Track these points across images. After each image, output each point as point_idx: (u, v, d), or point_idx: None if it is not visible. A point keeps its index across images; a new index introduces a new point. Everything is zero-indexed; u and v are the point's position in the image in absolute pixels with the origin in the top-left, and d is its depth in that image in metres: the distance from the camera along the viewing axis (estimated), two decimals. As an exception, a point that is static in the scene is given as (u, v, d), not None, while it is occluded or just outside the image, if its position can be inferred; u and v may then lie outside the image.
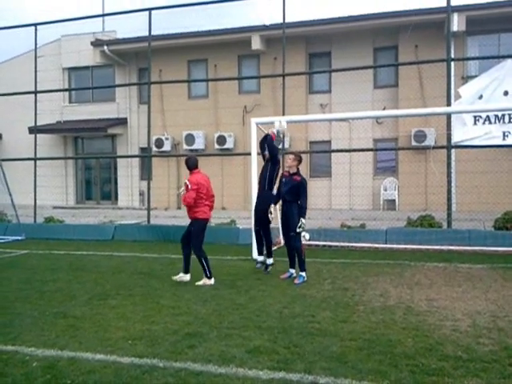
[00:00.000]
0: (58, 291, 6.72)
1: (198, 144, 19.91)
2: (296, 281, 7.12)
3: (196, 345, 4.50)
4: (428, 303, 5.86)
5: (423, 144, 16.66)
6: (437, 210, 12.03)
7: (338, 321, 5.17)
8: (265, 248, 8.18)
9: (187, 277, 7.31)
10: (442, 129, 14.22)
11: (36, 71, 14.73)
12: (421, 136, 17.09)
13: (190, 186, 7.08)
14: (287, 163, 7.55)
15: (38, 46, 14.82)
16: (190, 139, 19.98)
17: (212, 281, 7.08)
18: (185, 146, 20.07)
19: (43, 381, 3.74)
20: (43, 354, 4.28)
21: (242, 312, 5.57)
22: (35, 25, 14.43)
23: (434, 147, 13.46)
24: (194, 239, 7.22)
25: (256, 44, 19.02)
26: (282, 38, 12.67)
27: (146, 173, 20.25)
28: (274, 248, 9.89)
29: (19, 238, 12.54)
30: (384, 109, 17.31)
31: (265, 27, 18.46)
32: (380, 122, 18.06)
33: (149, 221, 13.22)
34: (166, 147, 20.30)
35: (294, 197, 7.25)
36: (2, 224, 13.97)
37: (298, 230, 7.13)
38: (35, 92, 14.74)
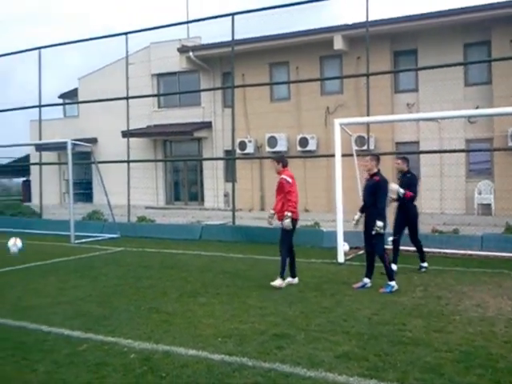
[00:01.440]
0: (150, 287, 7.05)
1: (281, 146, 19.99)
2: (382, 289, 6.72)
3: (284, 346, 4.51)
4: (532, 316, 5.43)
5: (521, 144, 15.49)
6: (538, 216, 11.14)
7: (431, 330, 4.94)
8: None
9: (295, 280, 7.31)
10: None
11: (127, 78, 15.57)
12: (518, 136, 15.91)
13: (289, 181, 7.17)
14: (366, 167, 7.27)
15: (128, 54, 15.64)
16: (272, 141, 20.13)
17: (284, 282, 7.08)
18: (267, 149, 20.23)
19: (141, 372, 3.93)
20: (139, 347, 4.50)
21: (329, 316, 5.50)
22: (126, 33, 15.27)
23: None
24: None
25: (338, 44, 18.74)
26: (366, 36, 12.39)
27: (230, 175, 20.71)
28: (361, 252, 9.67)
29: (115, 235, 13.32)
30: (477, 108, 16.30)
31: (347, 26, 18.16)
32: (472, 122, 17.03)
33: (234, 222, 13.48)
34: (249, 149, 20.59)
35: (373, 199, 6.92)
36: (99, 222, 14.94)
37: (372, 233, 6.75)
38: (127, 98, 15.59)
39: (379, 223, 6.69)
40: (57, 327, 5.08)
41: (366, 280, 7.03)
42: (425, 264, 8.25)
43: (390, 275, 6.79)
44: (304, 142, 19.53)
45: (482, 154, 17.37)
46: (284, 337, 4.77)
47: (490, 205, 16.87)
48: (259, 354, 4.30)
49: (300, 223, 13.43)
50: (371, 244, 6.97)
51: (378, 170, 7.07)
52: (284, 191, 7.18)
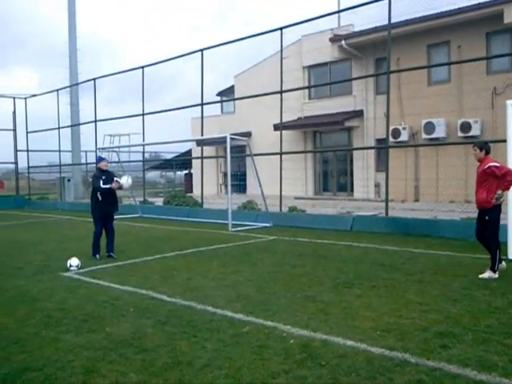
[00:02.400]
0: (304, 275, 7.16)
1: (439, 132, 18.71)
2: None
3: (449, 345, 4.23)
4: None
5: None
6: None
7: None
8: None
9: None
10: None
11: (282, 72, 15.95)
12: None
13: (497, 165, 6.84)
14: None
15: (282, 48, 16.00)
16: (429, 128, 18.94)
17: (497, 274, 6.79)
18: (424, 135, 19.11)
19: (300, 358, 4.01)
20: (298, 333, 4.60)
21: (500, 317, 5.00)
22: (281, 28, 15.62)
23: None
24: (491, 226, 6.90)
25: (509, 17, 16.82)
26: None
27: (381, 164, 20.05)
28: None
29: (267, 224, 13.84)
30: None
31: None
32: None
33: (387, 213, 13.03)
34: (403, 137, 19.67)
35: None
36: (253, 212, 15.66)
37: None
38: (281, 92, 15.99)
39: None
40: (221, 309, 5.44)
41: None
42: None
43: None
44: (466, 126, 18.02)
45: None
46: (449, 335, 4.47)
47: None
48: (422, 352, 4.09)
49: (460, 215, 12.56)
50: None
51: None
52: (498, 176, 6.75)
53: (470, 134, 17.87)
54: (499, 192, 6.70)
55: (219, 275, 7.27)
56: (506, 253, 8.14)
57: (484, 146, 7.10)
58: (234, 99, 26.21)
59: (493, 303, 5.51)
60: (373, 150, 21.50)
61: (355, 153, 22.54)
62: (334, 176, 24.21)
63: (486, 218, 6.91)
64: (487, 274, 6.81)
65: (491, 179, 6.83)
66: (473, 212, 11.81)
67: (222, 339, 4.49)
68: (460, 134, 18.11)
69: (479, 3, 17.12)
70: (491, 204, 6.79)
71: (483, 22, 17.63)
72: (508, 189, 6.90)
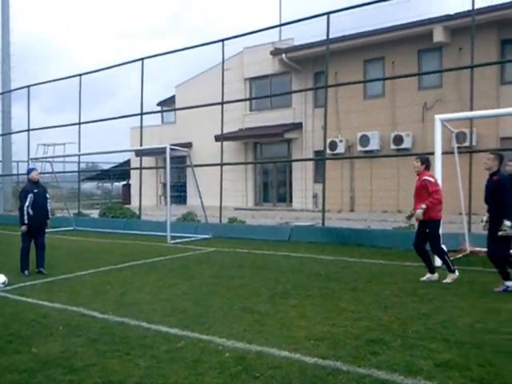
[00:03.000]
0: (243, 287, 7.17)
1: (373, 145, 19.47)
2: (497, 289, 6.50)
3: (379, 352, 4.36)
4: None
5: None
6: None
7: (543, 341, 4.52)
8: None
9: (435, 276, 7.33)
10: None
11: (223, 83, 16.02)
12: None
13: (432, 181, 7.28)
14: (487, 165, 6.81)
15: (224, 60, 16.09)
16: (364, 140, 19.67)
17: (457, 273, 7.20)
18: (359, 148, 19.81)
19: (236, 371, 4.00)
20: (234, 346, 4.59)
21: (427, 322, 5.23)
22: (222, 40, 15.73)
23: None
24: (433, 238, 7.31)
25: (438, 36, 17.86)
26: (471, 26, 11.65)
27: (319, 175, 20.54)
28: (459, 255, 9.14)
29: (207, 236, 13.77)
30: None
31: (449, 17, 17.22)
32: None
33: (323, 223, 13.35)
34: (340, 149, 20.30)
35: (495, 200, 6.55)
36: (192, 223, 15.54)
37: (499, 234, 6.35)
38: (222, 103, 16.05)
39: (507, 222, 6.30)
40: (156, 324, 5.32)
41: (509, 283, 6.58)
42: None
43: (506, 276, 6.51)
44: (398, 139, 18.87)
45: None
46: (379, 342, 4.61)
47: None
48: (354, 359, 4.19)
49: (392, 224, 13.07)
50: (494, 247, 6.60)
51: (498, 170, 6.72)
52: (428, 192, 7.19)
53: (402, 146, 18.73)
54: (422, 205, 7.06)
55: (155, 289, 7.13)
56: (433, 259, 8.55)
57: (425, 162, 7.50)
58: (175, 109, 26.03)
59: (420, 309, 5.76)
60: (311, 162, 21.98)
61: (294, 164, 22.96)
62: (274, 187, 24.52)
63: (427, 230, 7.31)
64: (449, 279, 7.18)
65: (425, 192, 7.21)
66: (404, 222, 12.37)
67: (155, 355, 4.39)
68: (393, 146, 18.94)
69: (411, 22, 18.06)
70: (427, 216, 7.16)
71: (415, 39, 18.61)
72: (431, 204, 7.19)
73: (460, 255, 9.48)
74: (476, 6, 11.75)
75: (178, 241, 12.88)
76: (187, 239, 13.32)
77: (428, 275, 7.41)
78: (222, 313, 5.75)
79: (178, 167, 23.17)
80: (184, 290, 7.00)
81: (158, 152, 22.97)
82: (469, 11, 11.84)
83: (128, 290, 7.12)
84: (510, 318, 5.32)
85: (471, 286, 6.87)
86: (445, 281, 7.21)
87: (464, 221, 10.27)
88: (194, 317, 5.59)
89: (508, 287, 6.54)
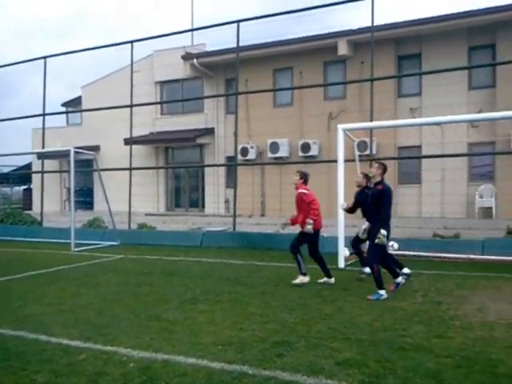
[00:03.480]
0: (151, 294, 7.03)
1: (282, 152, 20.02)
2: (370, 296, 6.64)
3: (284, 354, 4.48)
4: (534, 321, 5.39)
5: (524, 148, 15.46)
6: (541, 220, 11.10)
7: (431, 336, 4.91)
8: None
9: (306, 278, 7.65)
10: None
11: (132, 86, 15.64)
12: (521, 139, 15.88)
13: (306, 192, 7.69)
14: (371, 173, 7.28)
15: (133, 62, 15.74)
16: (274, 147, 20.15)
17: (307, 278, 7.55)
18: (269, 154, 20.26)
19: (140, 382, 3.91)
20: (139, 356, 4.48)
21: (329, 322, 5.47)
22: (131, 42, 15.38)
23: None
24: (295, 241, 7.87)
25: (342, 49, 18.81)
26: (371, 41, 12.41)
27: (231, 181, 20.72)
28: (348, 263, 9.57)
29: (115, 243, 13.33)
30: (480, 111, 16.30)
31: (352, 32, 18.21)
32: (475, 126, 17.04)
33: (234, 228, 13.47)
34: (251, 155, 20.62)
35: (376, 208, 6.86)
36: (99, 230, 14.96)
37: (375, 241, 6.66)
38: (131, 106, 15.65)
39: (383, 232, 6.63)
40: (56, 337, 5.06)
41: (398, 279, 6.98)
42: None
43: (380, 284, 6.70)
44: (306, 147, 19.55)
45: (484, 157, 17.37)
46: (284, 344, 4.74)
47: (491, 208, 16.83)
48: (259, 362, 4.28)
49: (300, 229, 13.48)
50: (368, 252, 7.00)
51: (382, 179, 7.02)
52: (305, 203, 7.58)
53: (310, 153, 19.44)
54: (309, 220, 7.44)
55: (57, 300, 6.77)
56: (336, 262, 8.99)
57: (304, 176, 7.89)
58: (81, 111, 24.97)
59: (324, 310, 6.01)
60: (223, 167, 22.10)
61: (207, 169, 22.95)
62: (186, 192, 24.32)
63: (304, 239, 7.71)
64: (298, 280, 7.56)
65: (303, 204, 7.65)
66: (281, 228, 12.87)
67: (54, 370, 4.17)
68: (301, 153, 19.60)
69: (318, 35, 18.85)
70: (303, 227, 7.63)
71: (321, 51, 19.44)
72: (315, 216, 7.61)
73: (358, 258, 9.99)
74: (376, 23, 12.54)
75: (83, 248, 12.33)
76: (93, 246, 12.80)
77: (325, 279, 7.75)
78: (127, 322, 5.60)
79: (83, 171, 22.19)
80: (88, 300, 6.72)
81: (63, 155, 21.86)
82: (369, 27, 12.60)
83: (27, 302, 6.68)
84: (403, 316, 5.71)
85: (371, 287, 7.27)
86: (293, 281, 7.55)
87: (363, 227, 10.84)
88: (98, 327, 5.39)
89: (399, 283, 6.94)
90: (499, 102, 16.46)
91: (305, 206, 7.64)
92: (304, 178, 7.89)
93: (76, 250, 12.18)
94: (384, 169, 7.08)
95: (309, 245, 7.78)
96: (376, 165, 7.22)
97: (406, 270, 7.80)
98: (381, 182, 6.97)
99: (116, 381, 3.93)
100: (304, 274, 7.63)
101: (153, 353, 4.55)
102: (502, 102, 16.13)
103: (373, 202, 6.95)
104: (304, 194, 7.66)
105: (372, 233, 6.85)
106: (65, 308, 6.30)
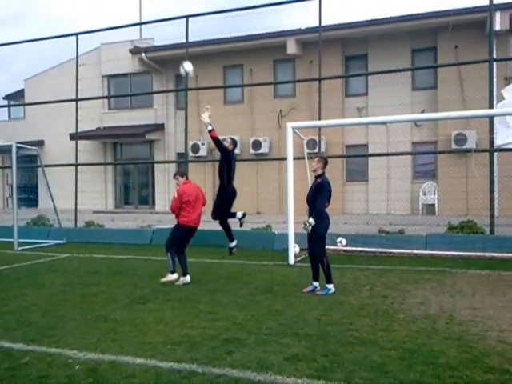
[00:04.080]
0: (98, 294, 6.87)
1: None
2: (319, 292, 6.76)
3: (234, 351, 4.50)
4: (471, 312, 5.68)
5: (464, 147, 16.23)
6: (478, 216, 11.69)
7: (377, 329, 5.07)
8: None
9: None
10: (483, 132, 13.80)
11: (77, 79, 15.15)
12: (461, 139, 16.67)
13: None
14: (312, 167, 7.30)
15: (78, 55, 15.25)
16: (225, 144, 20.10)
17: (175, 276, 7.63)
18: (220, 151, 20.19)
19: (86, 384, 3.82)
20: (85, 357, 4.37)
21: (279, 318, 5.54)
22: (76, 34, 14.88)
23: (475, 150, 13.08)
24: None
25: (291, 48, 19.01)
26: (319, 41, 12.61)
27: (182, 177, 20.51)
28: (298, 259, 9.71)
29: (61, 241, 12.91)
30: (423, 111, 16.96)
31: (300, 31, 18.44)
32: (419, 125, 17.72)
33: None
34: (202, 152, 20.51)
35: (314, 200, 6.91)
36: (44, 228, 14.43)
37: (302, 227, 6.85)
38: (76, 100, 15.17)
39: (311, 220, 6.73)
40: (-3, 340, 4.86)
41: (316, 283, 7.00)
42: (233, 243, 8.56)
43: (328, 279, 6.82)
44: (257, 144, 19.66)
45: (427, 156, 18.10)
46: (234, 341, 4.76)
47: (433, 205, 17.58)
48: (209, 360, 4.27)
49: (252, 225, 13.58)
50: (312, 247, 6.98)
51: (323, 173, 7.05)
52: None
53: (261, 151, 19.57)
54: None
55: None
56: (287, 259, 9.11)
57: (183, 174, 8.60)
58: (24, 104, 23.96)
59: (273, 306, 6.08)
60: (174, 164, 21.84)
61: (157, 166, 22.62)
62: (136, 189, 23.88)
63: None
64: (165, 279, 7.64)
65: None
66: (261, 223, 12.95)
67: (-6, 375, 4.00)
68: (252, 151, 19.68)
69: (267, 33, 18.98)
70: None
71: (271, 50, 19.58)
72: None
73: (299, 258, 10.16)
74: (324, 23, 12.73)
75: (26, 247, 11.86)
76: (38, 245, 12.33)
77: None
78: (74, 323, 5.44)
79: (26, 167, 21.34)
80: (32, 301, 6.47)
81: (5, 150, 20.92)
82: (316, 27, 12.80)
83: (-36, 304, 6.36)
84: (350, 310, 5.87)
85: (320, 282, 7.41)
86: (161, 280, 7.65)
87: (303, 221, 11.03)
88: (43, 329, 5.21)
89: (316, 288, 6.91)
90: (440, 103, 17.21)
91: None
92: (185, 174, 8.54)
93: (19, 249, 11.70)
94: (325, 162, 7.12)
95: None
96: (317, 158, 7.23)
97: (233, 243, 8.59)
98: (320, 176, 7.03)
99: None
100: (173, 273, 7.71)
101: (100, 354, 4.45)
102: (443, 102, 16.87)
103: (312, 194, 7.03)
104: (179, 195, 8.13)
105: (317, 229, 6.84)
106: (7, 310, 6.04)
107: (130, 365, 4.18)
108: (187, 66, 8.96)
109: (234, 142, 8.67)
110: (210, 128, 8.16)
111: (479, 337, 4.79)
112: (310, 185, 10.88)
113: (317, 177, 7.06)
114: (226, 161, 8.41)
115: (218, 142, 8.16)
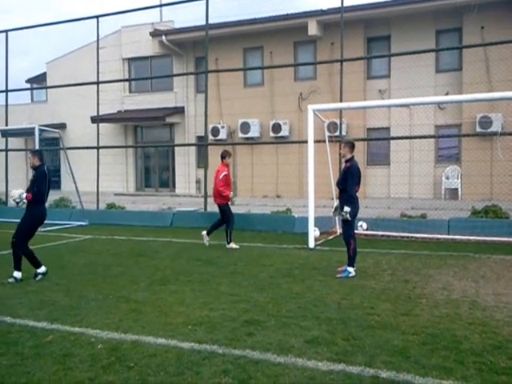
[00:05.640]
0: (120, 275, 6.95)
1: (254, 132, 19.93)
2: (339, 274, 6.76)
3: (254, 333, 4.51)
4: (495, 298, 5.58)
5: (489, 130, 15.84)
6: (503, 200, 11.47)
7: (398, 314, 5.02)
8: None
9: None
10: (510, 114, 13.44)
11: (98, 62, 15.20)
12: (486, 122, 16.25)
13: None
14: (341, 153, 7.27)
15: (99, 38, 15.27)
16: (245, 127, 20.04)
17: None
18: (240, 134, 20.15)
19: (108, 363, 3.86)
20: (108, 337, 4.43)
21: (299, 301, 5.52)
22: (97, 17, 14.88)
23: (501, 134, 12.75)
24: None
25: (312, 29, 18.70)
26: (340, 22, 12.37)
27: (202, 161, 20.55)
28: (330, 237, 9.75)
29: (83, 223, 13.09)
30: (447, 94, 16.57)
31: (322, 12, 18.11)
32: (442, 108, 17.33)
33: (205, 208, 13.40)
34: (222, 135, 20.46)
35: (343, 185, 6.94)
36: (67, 210, 14.65)
37: (340, 218, 6.81)
38: (97, 82, 15.23)
39: (346, 208, 6.74)
40: (21, 318, 4.95)
41: (350, 269, 6.93)
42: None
43: (351, 261, 6.81)
44: (277, 127, 19.51)
45: (451, 139, 17.72)
46: (254, 323, 4.76)
47: (456, 189, 17.26)
48: (229, 341, 4.29)
49: (272, 209, 13.57)
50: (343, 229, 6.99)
51: (352, 157, 7.01)
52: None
53: (281, 134, 19.43)
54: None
55: (23, 281, 6.61)
56: (306, 242, 9.08)
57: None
58: (46, 87, 24.22)
59: (293, 289, 6.07)
60: (194, 147, 21.88)
61: (177, 149, 22.68)
62: (156, 172, 24.03)
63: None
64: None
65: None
66: (281, 206, 12.91)
67: (20, 352, 4.08)
68: (272, 134, 19.56)
69: (287, 14, 18.68)
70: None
71: (291, 31, 19.28)
72: None
73: (331, 237, 10.15)
74: (345, 4, 12.46)
75: (49, 228, 12.03)
76: (60, 227, 12.53)
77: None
78: (96, 303, 5.52)
79: (49, 150, 21.63)
80: (54, 281, 6.59)
81: (28, 133, 21.19)
82: (338, 8, 12.54)
83: (-11, 284, 6.51)
84: (371, 294, 5.82)
85: (340, 266, 7.36)
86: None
87: (335, 205, 10.97)
88: (66, 309, 5.30)
89: (350, 272, 6.78)
90: (465, 85, 16.77)
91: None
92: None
93: (42, 230, 11.85)
94: (351, 146, 7.09)
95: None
96: (343, 144, 7.24)
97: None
98: (349, 160, 7.00)
99: (84, 362, 3.88)
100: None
101: (122, 334, 4.51)
102: (468, 84, 16.43)
103: (342, 179, 7.01)
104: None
105: (342, 208, 6.91)
106: (30, 289, 6.16)
107: (151, 345, 4.23)
108: None
109: (40, 154, 7.03)
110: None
111: (503, 323, 4.70)
112: (330, 168, 10.86)
113: (346, 161, 7.04)
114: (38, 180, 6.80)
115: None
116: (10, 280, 6.60)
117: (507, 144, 11.83)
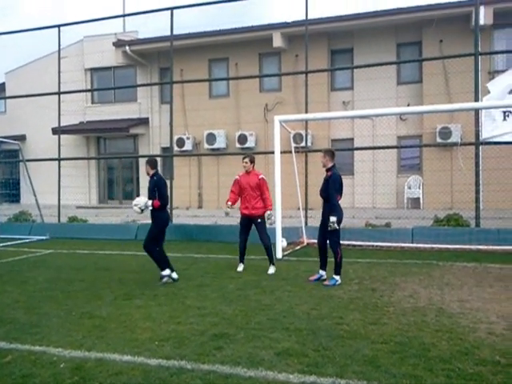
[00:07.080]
0: (83, 291, 6.73)
1: (219, 143, 19.89)
2: (326, 282, 6.88)
3: (223, 346, 4.42)
4: (460, 304, 5.68)
5: (449, 141, 16.33)
6: (463, 209, 11.76)
7: (367, 323, 5.03)
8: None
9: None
10: (468, 125, 13.88)
11: (60, 72, 14.86)
12: (446, 133, 16.76)
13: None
14: (322, 163, 7.17)
15: (61, 48, 14.95)
16: (211, 138, 19.98)
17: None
18: (206, 146, 20.07)
19: (71, 382, 3.70)
20: (70, 355, 4.25)
21: (269, 313, 5.47)
22: (58, 26, 14.57)
23: (461, 144, 13.15)
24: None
25: (277, 41, 18.90)
26: (305, 34, 12.52)
27: (167, 172, 20.32)
28: (297, 247, 9.82)
29: (43, 237, 12.68)
30: (408, 105, 17.02)
31: (286, 24, 18.33)
32: (404, 119, 17.78)
33: (172, 220, 13.20)
34: (188, 147, 20.33)
35: (325, 193, 6.98)
36: (26, 224, 14.17)
37: (328, 229, 6.81)
38: (59, 93, 14.88)
39: (332, 218, 6.74)
40: (-22, 338, 4.71)
41: (322, 272, 7.12)
42: None
43: (337, 270, 6.90)
44: (243, 138, 19.55)
45: (413, 150, 18.19)
46: (223, 337, 4.68)
47: (418, 199, 17.67)
48: (198, 356, 4.18)
49: (237, 220, 13.50)
50: (324, 237, 7.01)
51: (333, 165, 7.03)
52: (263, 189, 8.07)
53: (247, 145, 19.46)
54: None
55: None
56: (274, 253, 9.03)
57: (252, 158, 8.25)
58: (5, 97, 23.47)
59: (262, 301, 6.01)
60: (159, 158, 21.55)
61: (141, 160, 22.31)
62: (120, 184, 23.60)
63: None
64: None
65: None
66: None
67: (-24, 375, 3.87)
68: (238, 145, 19.57)
69: (252, 26, 18.85)
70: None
71: (256, 43, 19.44)
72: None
73: (299, 247, 10.17)
74: (309, 17, 12.64)
75: (8, 243, 11.62)
76: (20, 241, 12.09)
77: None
78: (58, 320, 5.31)
79: (8, 162, 20.95)
80: (14, 298, 6.31)
81: (-16, 145, 20.53)
82: (303, 21, 12.71)
83: None
84: (340, 304, 5.83)
85: (309, 276, 7.37)
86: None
87: (301, 215, 11.03)
88: (26, 327, 5.07)
89: (321, 276, 7.06)
90: (425, 97, 17.28)
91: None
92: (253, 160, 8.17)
93: (1, 245, 11.45)
94: (331, 154, 7.10)
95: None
96: (322, 153, 7.19)
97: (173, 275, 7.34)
98: (330, 168, 7.02)
99: (45, 383, 3.70)
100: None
101: (85, 351, 4.33)
102: (428, 96, 16.95)
103: (324, 188, 7.03)
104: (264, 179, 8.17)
105: (324, 217, 6.96)
106: (-13, 308, 5.88)
107: (117, 362, 4.08)
108: None
109: (152, 163, 7.57)
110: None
111: (469, 329, 4.78)
112: (297, 179, 10.92)
113: (327, 170, 7.05)
114: None
115: None
116: (164, 280, 7.01)
117: (466, 154, 12.19)
